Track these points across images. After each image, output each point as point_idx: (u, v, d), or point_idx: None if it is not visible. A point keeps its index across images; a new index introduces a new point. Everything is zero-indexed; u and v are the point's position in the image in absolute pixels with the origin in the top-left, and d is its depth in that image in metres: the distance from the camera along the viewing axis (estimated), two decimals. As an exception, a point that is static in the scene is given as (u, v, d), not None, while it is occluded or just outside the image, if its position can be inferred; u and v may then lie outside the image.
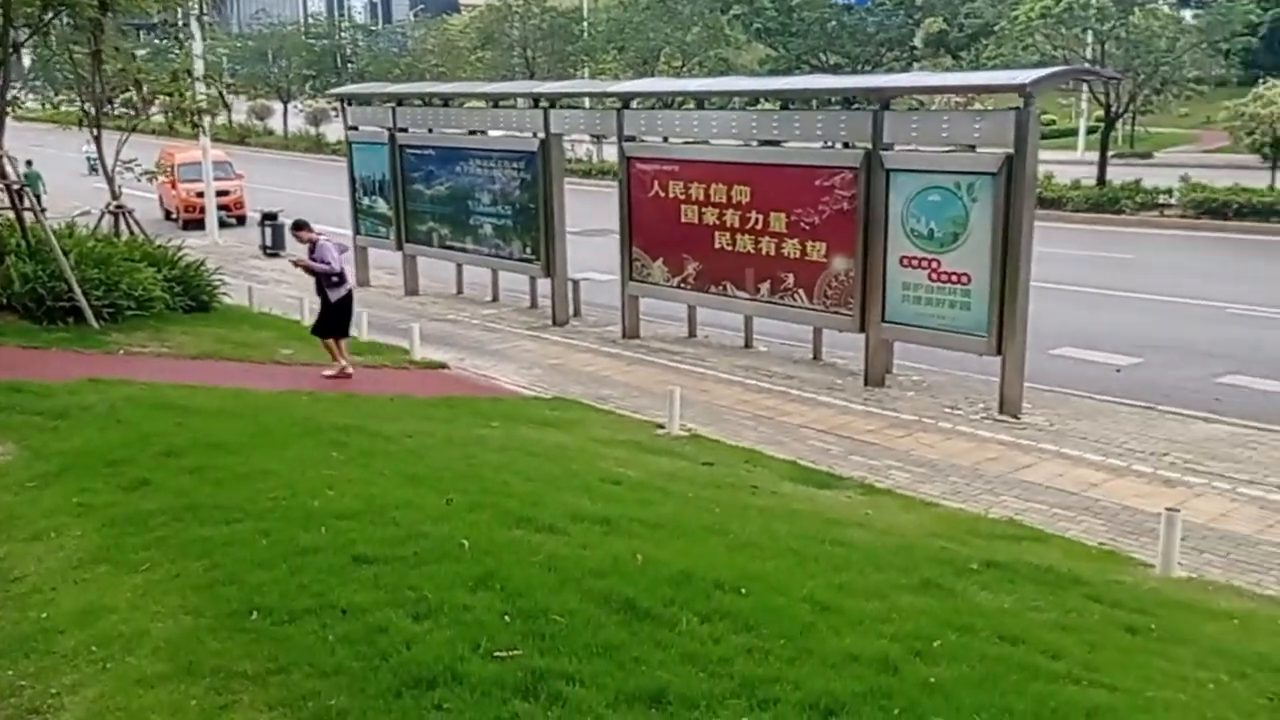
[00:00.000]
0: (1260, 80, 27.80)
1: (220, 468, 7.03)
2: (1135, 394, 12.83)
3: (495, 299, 19.27)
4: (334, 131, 51.68)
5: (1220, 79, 36.51)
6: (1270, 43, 42.46)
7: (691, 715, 3.94)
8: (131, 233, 17.66)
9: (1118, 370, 13.94)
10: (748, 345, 15.40)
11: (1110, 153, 30.94)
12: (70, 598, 5.10)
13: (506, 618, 4.77)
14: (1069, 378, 13.56)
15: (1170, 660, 5.25)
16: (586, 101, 17.97)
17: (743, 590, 5.21)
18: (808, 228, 13.50)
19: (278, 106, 59.61)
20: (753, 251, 14.20)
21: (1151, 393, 12.86)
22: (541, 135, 16.87)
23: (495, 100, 18.87)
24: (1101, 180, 27.54)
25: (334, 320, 12.96)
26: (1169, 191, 26.18)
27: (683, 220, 15.01)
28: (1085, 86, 31.40)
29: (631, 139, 15.67)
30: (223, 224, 28.47)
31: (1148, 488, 9.72)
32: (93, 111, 17.28)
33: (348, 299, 13.07)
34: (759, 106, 19.43)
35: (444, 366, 14.35)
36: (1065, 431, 11.39)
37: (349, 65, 57.16)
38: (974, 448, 10.97)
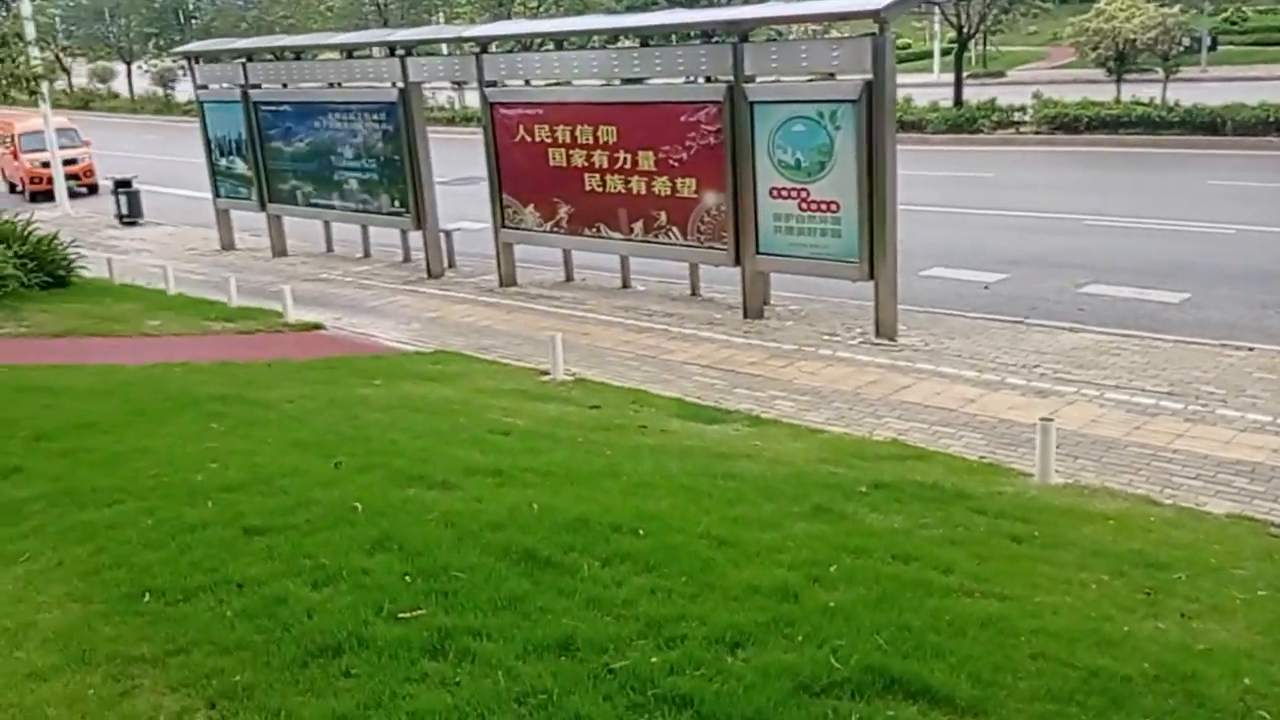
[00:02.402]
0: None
1: (95, 449, 6.77)
2: (1004, 309, 13.27)
3: (367, 255, 18.85)
4: (184, 92, 49.55)
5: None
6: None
7: (600, 659, 3.98)
8: (-28, 209, 16.68)
9: (986, 287, 14.40)
10: (625, 286, 15.42)
11: (965, 74, 31.69)
12: (-56, 598, 4.86)
13: (407, 578, 4.73)
14: (941, 298, 13.95)
15: (1054, 565, 5.51)
16: (444, 48, 17.52)
17: (640, 531, 5.27)
18: (676, 164, 13.51)
19: (121, 68, 56.71)
20: (623, 191, 14.16)
21: (1019, 307, 13.32)
22: (400, 85, 16.45)
23: (350, 51, 18.29)
24: (958, 101, 28.25)
25: None
26: (1023, 109, 26.99)
27: (551, 164, 14.86)
28: (937, 9, 32.01)
29: (493, 84, 15.39)
30: (73, 194, 27.12)
31: (1022, 400, 10.11)
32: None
33: None
34: (619, 45, 19.30)
35: (320, 327, 14.02)
36: (940, 351, 11.75)
37: (193, 21, 54.57)
38: (854, 372, 11.24)
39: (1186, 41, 32.23)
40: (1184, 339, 11.48)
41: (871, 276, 12.28)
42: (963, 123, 27.03)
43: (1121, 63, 25.76)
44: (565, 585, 4.65)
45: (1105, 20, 25.37)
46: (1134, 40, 24.92)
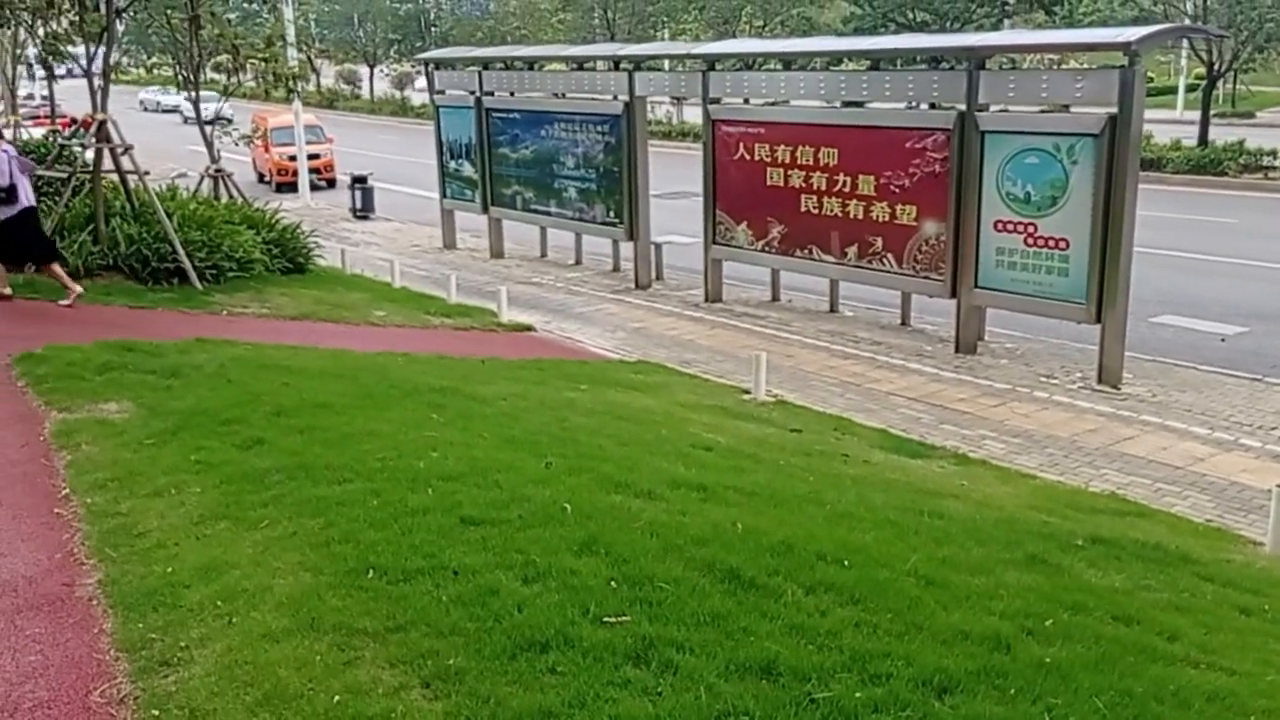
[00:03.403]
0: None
1: (328, 428, 7.18)
2: (1241, 365, 12.46)
3: (578, 262, 19.34)
4: (418, 95, 52.21)
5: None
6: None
7: (803, 687, 3.95)
8: (230, 196, 18.05)
9: (1223, 340, 13.54)
10: (833, 310, 15.26)
11: (1212, 112, 29.89)
12: (194, 553, 5.26)
13: (613, 583, 4.81)
14: (1171, 347, 13.23)
15: (1286, 641, 5.12)
16: (668, 64, 17.81)
17: (845, 562, 5.19)
18: (898, 190, 13.28)
19: (364, 71, 60.33)
20: (840, 215, 14.03)
21: (1258, 363, 12.48)
22: (625, 98, 16.80)
23: (580, 63, 18.84)
24: (1203, 141, 26.63)
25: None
26: (1274, 153, 25.22)
27: (768, 183, 14.87)
28: (1186, 44, 30.30)
29: (716, 101, 15.53)
30: (314, 187, 28.99)
31: (1256, 462, 9.45)
32: (188, 76, 17.64)
33: (16, 221, 11.98)
34: (843, 67, 19.12)
35: (530, 329, 14.47)
36: (1168, 403, 11.11)
37: (432, 29, 57.52)
38: (1072, 418, 10.76)
39: None
40: None
41: (1099, 319, 11.73)
42: (1207, 164, 25.48)
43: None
44: (768, 608, 4.63)
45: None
46: None
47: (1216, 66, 27.37)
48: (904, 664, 4.11)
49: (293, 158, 28.77)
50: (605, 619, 4.46)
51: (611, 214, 17.55)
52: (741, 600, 4.72)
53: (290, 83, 19.39)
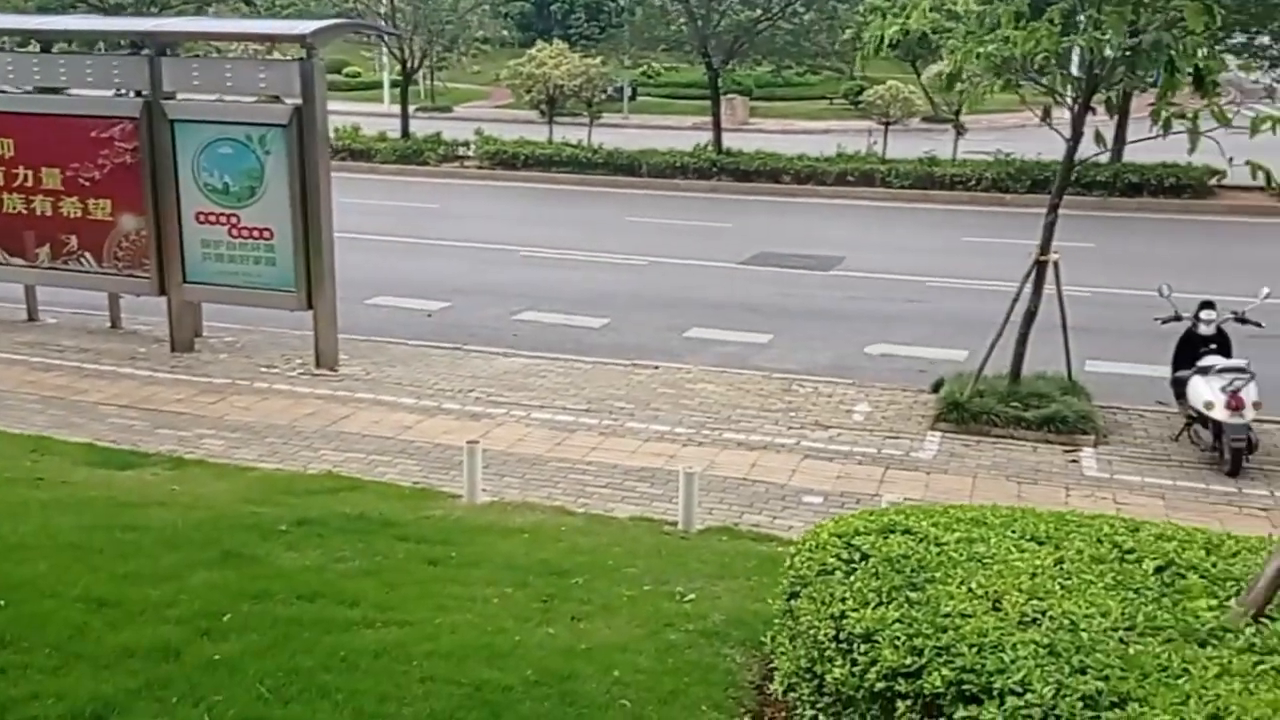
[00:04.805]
0: (535, 43, 30.78)
1: None
2: (445, 336, 13.57)
3: None
4: None
5: (505, 40, 39.87)
6: (540, 8, 47.34)
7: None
8: None
9: (429, 315, 14.67)
10: (31, 319, 13.68)
11: (414, 106, 32.32)
12: None
13: None
14: (385, 326, 13.98)
15: (464, 584, 5.63)
16: None
17: (2, 602, 4.59)
18: (88, 183, 12.25)
19: None
20: (25, 212, 12.58)
21: (459, 333, 13.71)
22: None
23: None
24: (406, 133, 28.71)
25: None
26: (467, 144, 28.06)
27: (-67, 180, 12.81)
28: (383, 41, 32.38)
29: None
30: None
31: (455, 423, 10.37)
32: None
33: None
34: (27, 49, 17.17)
35: None
36: (381, 379, 11.74)
37: None
38: (291, 405, 10.87)
39: (611, 90, 35.59)
40: (602, 360, 12.49)
41: (310, 305, 11.98)
42: (410, 154, 27.53)
43: (552, 106, 27.75)
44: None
45: (536, 66, 27.20)
46: (562, 86, 26.98)
47: (410, 64, 29.66)
48: (55, 701, 3.72)
49: None
50: None
51: None
52: None
53: None
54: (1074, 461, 9.64)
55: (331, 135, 27.19)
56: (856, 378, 11.94)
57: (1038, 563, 4.02)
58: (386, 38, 29.26)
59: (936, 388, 11.15)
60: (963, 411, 10.34)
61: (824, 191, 24.68)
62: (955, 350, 12.38)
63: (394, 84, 34.32)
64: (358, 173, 26.90)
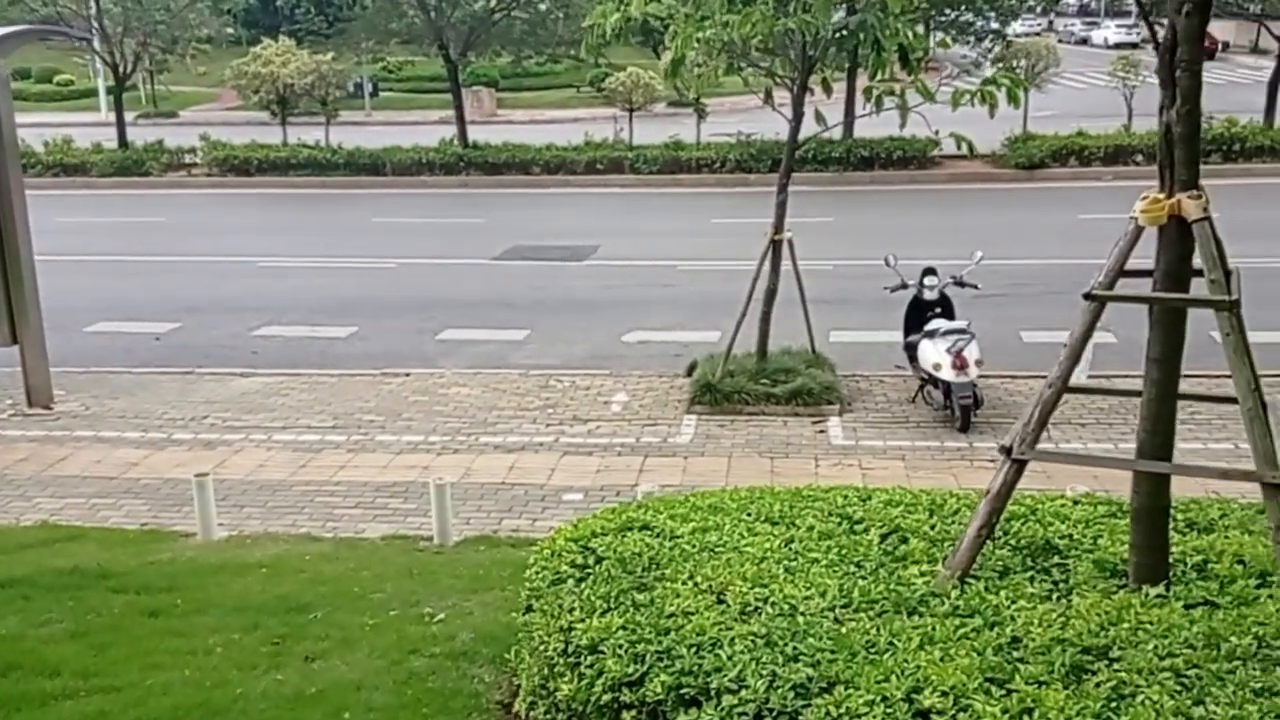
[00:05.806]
0: (260, 40, 29.25)
1: None
2: (176, 360, 12.66)
3: None
4: None
5: (231, 38, 37.84)
6: (265, 3, 45.23)
7: None
8: None
9: (157, 339, 13.67)
10: None
11: (135, 113, 30.30)
12: None
13: None
14: (107, 354, 12.92)
15: (186, 635, 5.18)
16: None
17: None
18: None
19: None
20: None
21: (192, 356, 12.83)
22: None
23: None
24: (123, 142, 26.77)
25: None
26: (193, 151, 26.46)
27: None
28: (90, 46, 30.02)
29: None
30: None
31: (188, 455, 9.66)
32: None
33: None
34: None
35: None
36: (102, 414, 10.82)
37: None
38: (2, 450, 9.87)
39: (350, 88, 34.37)
40: (350, 372, 11.96)
41: (14, 340, 10.90)
42: (130, 165, 25.67)
43: (284, 106, 26.45)
44: None
45: (263, 65, 25.84)
46: (292, 85, 25.74)
47: (123, 69, 27.66)
48: None
49: None
50: None
51: None
52: None
53: None
54: (821, 432, 9.95)
55: (40, 150, 25.50)
56: (614, 368, 11.93)
57: (767, 545, 4.02)
58: (89, 43, 27.11)
59: (690, 371, 11.28)
60: (715, 392, 10.49)
61: (575, 181, 24.70)
62: (709, 332, 12.57)
63: (109, 91, 31.91)
64: (72, 189, 24.95)
